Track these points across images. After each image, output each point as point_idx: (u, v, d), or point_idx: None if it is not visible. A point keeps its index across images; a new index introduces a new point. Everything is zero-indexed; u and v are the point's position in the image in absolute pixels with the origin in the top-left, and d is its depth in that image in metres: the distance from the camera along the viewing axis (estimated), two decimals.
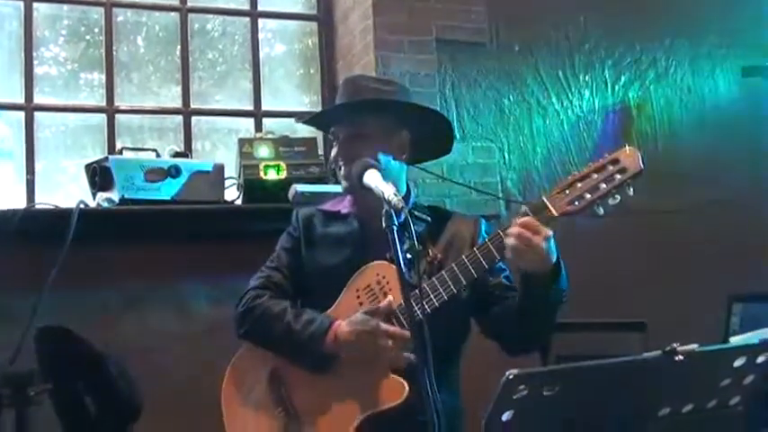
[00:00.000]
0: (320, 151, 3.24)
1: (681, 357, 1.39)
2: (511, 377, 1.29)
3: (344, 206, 2.31)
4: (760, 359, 1.49)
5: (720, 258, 3.61)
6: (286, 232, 2.32)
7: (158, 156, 2.97)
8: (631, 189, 1.97)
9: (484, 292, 2.18)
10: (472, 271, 2.02)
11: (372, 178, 1.99)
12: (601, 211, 1.98)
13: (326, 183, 3.01)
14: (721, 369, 1.48)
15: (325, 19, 3.66)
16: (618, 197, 1.97)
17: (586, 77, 3.71)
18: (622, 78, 3.78)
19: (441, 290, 2.02)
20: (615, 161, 1.99)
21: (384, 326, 2.01)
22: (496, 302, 2.18)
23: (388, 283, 2.09)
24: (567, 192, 1.99)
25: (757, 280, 3.35)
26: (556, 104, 3.65)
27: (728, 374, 1.49)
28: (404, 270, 1.75)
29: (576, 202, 1.98)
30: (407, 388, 1.99)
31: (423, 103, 2.42)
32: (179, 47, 3.45)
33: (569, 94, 3.67)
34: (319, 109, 3.60)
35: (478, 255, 2.03)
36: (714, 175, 3.75)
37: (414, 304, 1.84)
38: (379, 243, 1.97)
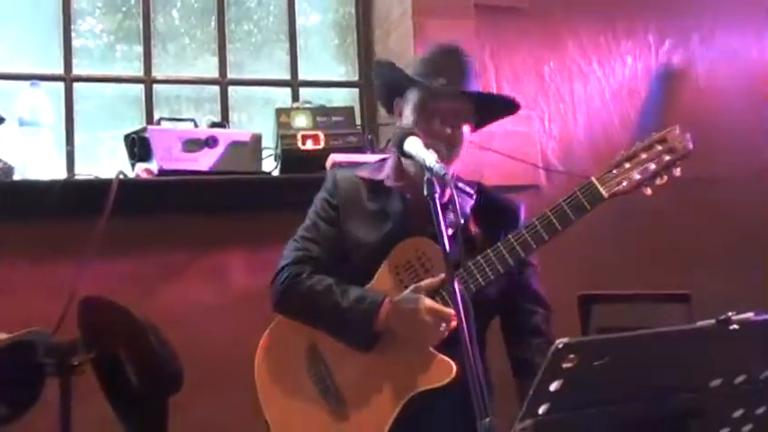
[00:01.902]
0: (358, 121, 3.22)
1: (735, 326, 1.35)
2: (560, 346, 1.26)
3: (387, 175, 2.25)
4: None
5: (766, 230, 3.53)
6: (322, 198, 2.26)
7: (196, 126, 2.96)
8: (678, 169, 1.99)
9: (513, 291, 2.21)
10: (520, 252, 2.03)
11: (413, 145, 1.96)
12: (648, 191, 2.02)
13: (364, 152, 2.98)
14: None
15: None
16: (665, 177, 2.01)
17: (629, 43, 3.63)
18: (666, 43, 3.69)
19: (487, 269, 2.03)
20: (663, 140, 2.02)
21: (430, 303, 2.00)
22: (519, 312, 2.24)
23: (429, 259, 2.08)
24: (615, 171, 2.01)
25: None
26: (597, 71, 3.57)
27: None
28: (446, 246, 1.68)
29: (625, 183, 2.01)
30: (455, 368, 1.98)
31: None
32: (214, 17, 3.42)
33: (611, 60, 3.60)
34: (356, 78, 3.58)
35: (527, 236, 2.03)
36: (760, 145, 3.66)
37: (458, 283, 1.77)
38: (422, 217, 1.95)
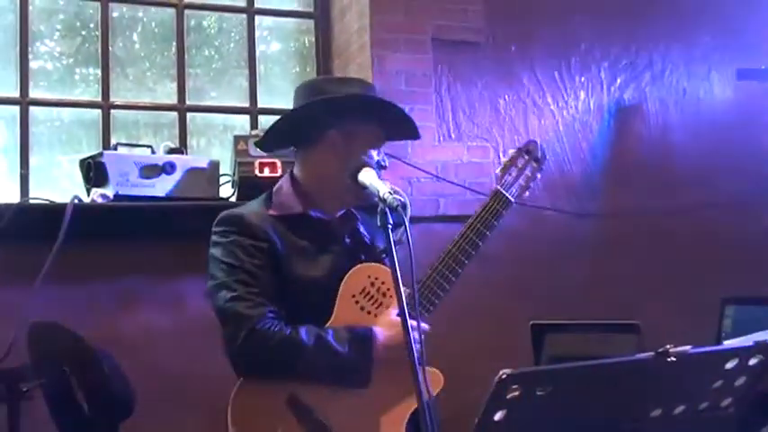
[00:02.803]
0: None
1: (673, 359, 1.39)
2: (504, 376, 1.30)
3: (297, 207, 2.16)
4: (752, 361, 1.50)
5: (714, 261, 3.62)
6: (246, 245, 2.06)
7: (153, 152, 2.96)
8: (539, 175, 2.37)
9: None
10: (465, 259, 2.15)
11: (368, 177, 2.00)
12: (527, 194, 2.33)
13: None
14: (713, 371, 1.49)
15: (321, 17, 3.66)
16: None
17: (582, 78, 3.72)
18: (618, 80, 3.79)
19: (444, 283, 2.12)
20: (527, 151, 2.33)
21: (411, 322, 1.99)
22: None
23: (383, 283, 2.09)
24: (508, 179, 2.28)
25: (751, 283, 3.36)
26: (551, 105, 3.65)
27: (720, 376, 1.50)
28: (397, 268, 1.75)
29: (517, 189, 2.29)
30: (442, 377, 2.06)
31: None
32: (174, 43, 3.44)
33: (565, 95, 3.68)
34: None
35: (465, 244, 2.15)
36: (709, 178, 3.76)
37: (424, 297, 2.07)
38: (356, 240, 2.18)
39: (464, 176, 3.37)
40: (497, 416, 1.33)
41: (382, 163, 2.19)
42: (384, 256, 2.05)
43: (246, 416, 1.99)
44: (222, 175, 3.05)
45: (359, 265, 2.12)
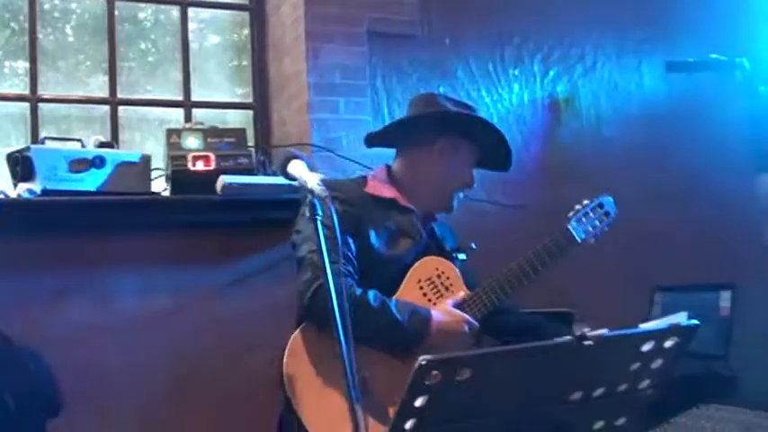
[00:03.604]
0: (250, 142, 3.23)
1: (590, 342, 1.42)
2: (423, 363, 1.31)
3: (395, 194, 2.40)
4: (667, 344, 1.54)
5: (646, 250, 3.69)
6: (341, 211, 2.19)
7: (83, 146, 2.91)
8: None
9: None
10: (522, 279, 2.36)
11: (296, 168, 2.00)
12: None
13: (256, 173, 3.00)
14: (630, 353, 1.52)
15: (256, 9, 3.63)
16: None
17: (516, 71, 3.76)
18: (551, 73, 3.84)
19: (499, 291, 2.34)
20: (601, 205, 2.51)
21: (466, 316, 2.26)
22: None
23: (448, 278, 2.33)
24: (579, 223, 2.48)
25: (681, 271, 3.44)
26: (486, 98, 3.68)
27: (637, 359, 1.53)
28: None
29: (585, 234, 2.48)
30: None
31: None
32: (106, 35, 3.38)
33: (499, 88, 3.71)
34: (251, 100, 3.59)
35: (527, 265, 2.37)
36: (639, 170, 3.83)
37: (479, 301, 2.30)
38: (433, 238, 2.41)
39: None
40: (418, 402, 1.35)
41: (471, 183, 2.49)
42: (453, 257, 2.40)
43: (300, 355, 2.17)
44: (155, 169, 3.02)
45: (431, 256, 2.34)
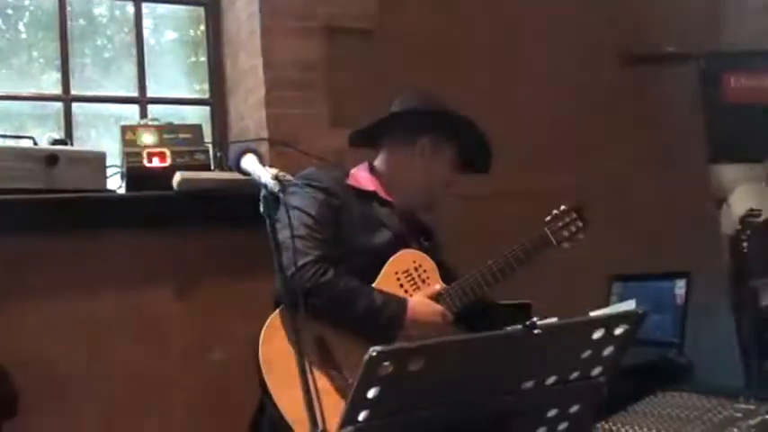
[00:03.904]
0: (207, 138, 3.21)
1: (540, 331, 1.43)
2: (374, 354, 1.31)
3: (376, 187, 2.43)
4: (617, 331, 1.55)
5: (602, 240, 3.72)
6: (321, 199, 2.31)
7: (36, 143, 2.88)
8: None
9: None
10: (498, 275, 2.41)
11: (250, 162, 1.99)
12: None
13: (212, 170, 2.99)
14: (581, 341, 1.53)
15: (212, 4, 3.60)
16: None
17: None
18: None
19: (475, 287, 2.38)
20: (578, 209, 2.58)
21: (442, 308, 2.32)
22: None
23: (425, 271, 2.37)
24: (556, 227, 2.54)
25: (636, 260, 3.49)
26: None
27: (588, 346, 1.54)
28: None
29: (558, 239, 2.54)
30: None
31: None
32: (57, 31, 3.34)
33: None
34: (208, 96, 3.57)
35: (502, 265, 2.40)
36: (595, 159, 3.87)
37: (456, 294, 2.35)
38: (411, 232, 2.44)
39: (357, 163, 3.37)
40: (371, 393, 1.35)
41: (452, 182, 2.53)
42: (430, 251, 2.43)
43: (275, 342, 2.16)
44: (110, 166, 2.98)
45: (408, 249, 2.38)
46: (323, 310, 2.18)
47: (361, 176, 2.47)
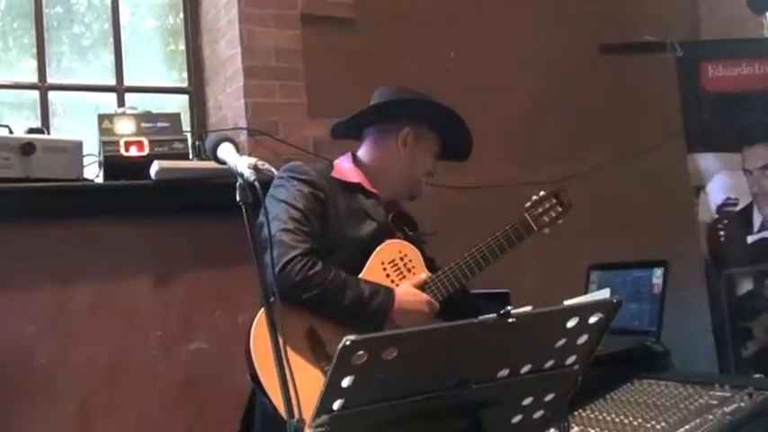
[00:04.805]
0: (186, 127, 3.19)
1: (513, 319, 1.44)
2: (348, 343, 1.31)
3: (361, 179, 2.44)
4: (592, 319, 1.56)
5: (580, 229, 3.74)
6: (308, 192, 2.31)
7: (11, 132, 2.85)
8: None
9: None
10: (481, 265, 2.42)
11: (226, 151, 1.98)
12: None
13: (190, 158, 2.97)
14: (555, 330, 1.54)
15: None
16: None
17: None
18: None
19: (460, 275, 2.39)
20: (557, 195, 2.58)
21: (428, 297, 2.34)
22: None
23: (411, 260, 2.39)
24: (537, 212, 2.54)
25: (615, 248, 3.50)
26: None
27: (562, 335, 1.54)
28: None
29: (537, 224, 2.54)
30: None
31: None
32: (32, 19, 3.30)
33: None
34: (186, 85, 3.55)
35: (486, 251, 2.42)
36: (574, 149, 3.88)
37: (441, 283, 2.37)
38: (397, 222, 2.45)
39: (336, 153, 3.36)
40: (345, 382, 1.35)
41: (432, 171, 2.54)
42: (415, 241, 2.45)
43: (266, 338, 2.06)
44: (87, 155, 2.96)
45: (394, 240, 2.40)
46: (312, 303, 2.20)
47: (345, 168, 2.48)
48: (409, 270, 2.38)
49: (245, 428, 2.33)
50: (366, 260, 2.34)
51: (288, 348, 2.14)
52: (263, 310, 2.20)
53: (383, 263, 2.36)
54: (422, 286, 2.37)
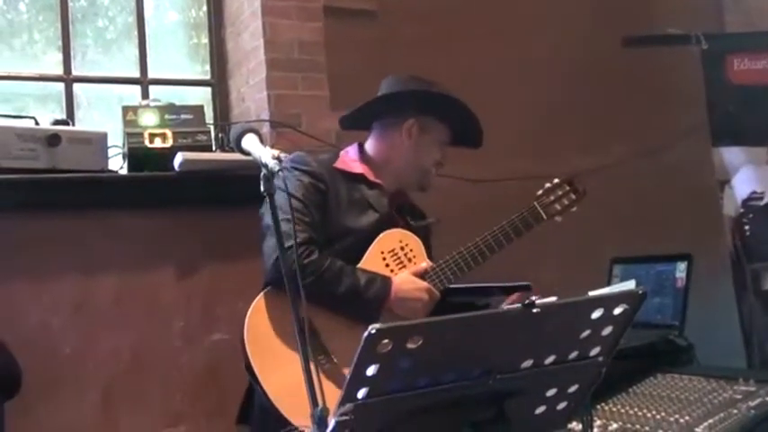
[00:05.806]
0: (208, 119, 3.20)
1: (538, 310, 1.43)
2: (373, 331, 1.31)
3: (364, 170, 2.45)
4: (616, 311, 1.55)
5: (604, 223, 3.73)
6: (308, 182, 2.33)
7: (37, 123, 2.87)
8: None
9: None
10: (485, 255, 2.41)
11: (251, 142, 1.99)
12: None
13: (214, 150, 2.98)
14: (580, 321, 1.53)
15: None
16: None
17: None
18: None
19: (462, 264, 2.38)
20: (570, 182, 2.55)
21: (426, 285, 2.33)
22: None
23: (411, 250, 2.39)
24: (547, 200, 2.52)
25: (638, 242, 3.48)
26: None
27: (587, 326, 1.53)
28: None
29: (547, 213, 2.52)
30: None
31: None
32: (58, 12, 3.32)
33: None
34: (209, 77, 3.57)
35: (491, 241, 2.41)
36: (596, 144, 3.86)
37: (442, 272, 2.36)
38: (399, 212, 2.46)
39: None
40: (370, 370, 1.35)
41: (442, 162, 2.52)
42: (418, 231, 2.44)
43: (262, 323, 2.21)
44: (112, 146, 2.98)
45: (394, 229, 2.39)
46: (307, 291, 2.18)
47: (349, 159, 2.48)
48: (410, 259, 2.38)
49: (243, 416, 2.36)
50: (366, 250, 2.35)
51: (283, 337, 2.18)
52: (257, 299, 2.24)
53: (383, 252, 2.36)
54: (422, 275, 2.36)
